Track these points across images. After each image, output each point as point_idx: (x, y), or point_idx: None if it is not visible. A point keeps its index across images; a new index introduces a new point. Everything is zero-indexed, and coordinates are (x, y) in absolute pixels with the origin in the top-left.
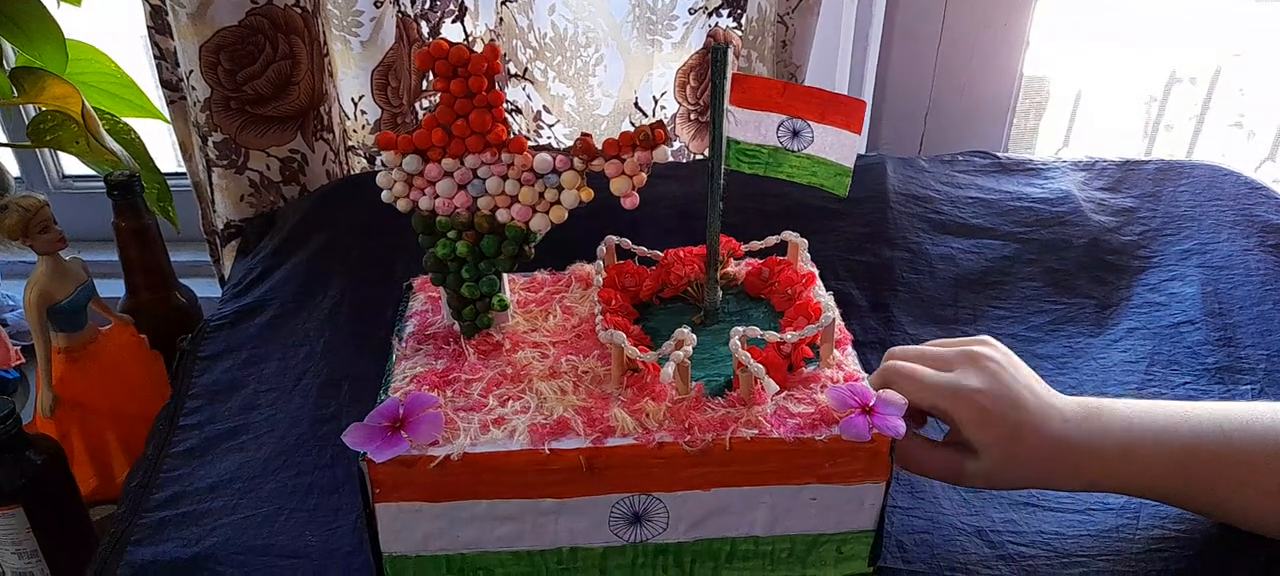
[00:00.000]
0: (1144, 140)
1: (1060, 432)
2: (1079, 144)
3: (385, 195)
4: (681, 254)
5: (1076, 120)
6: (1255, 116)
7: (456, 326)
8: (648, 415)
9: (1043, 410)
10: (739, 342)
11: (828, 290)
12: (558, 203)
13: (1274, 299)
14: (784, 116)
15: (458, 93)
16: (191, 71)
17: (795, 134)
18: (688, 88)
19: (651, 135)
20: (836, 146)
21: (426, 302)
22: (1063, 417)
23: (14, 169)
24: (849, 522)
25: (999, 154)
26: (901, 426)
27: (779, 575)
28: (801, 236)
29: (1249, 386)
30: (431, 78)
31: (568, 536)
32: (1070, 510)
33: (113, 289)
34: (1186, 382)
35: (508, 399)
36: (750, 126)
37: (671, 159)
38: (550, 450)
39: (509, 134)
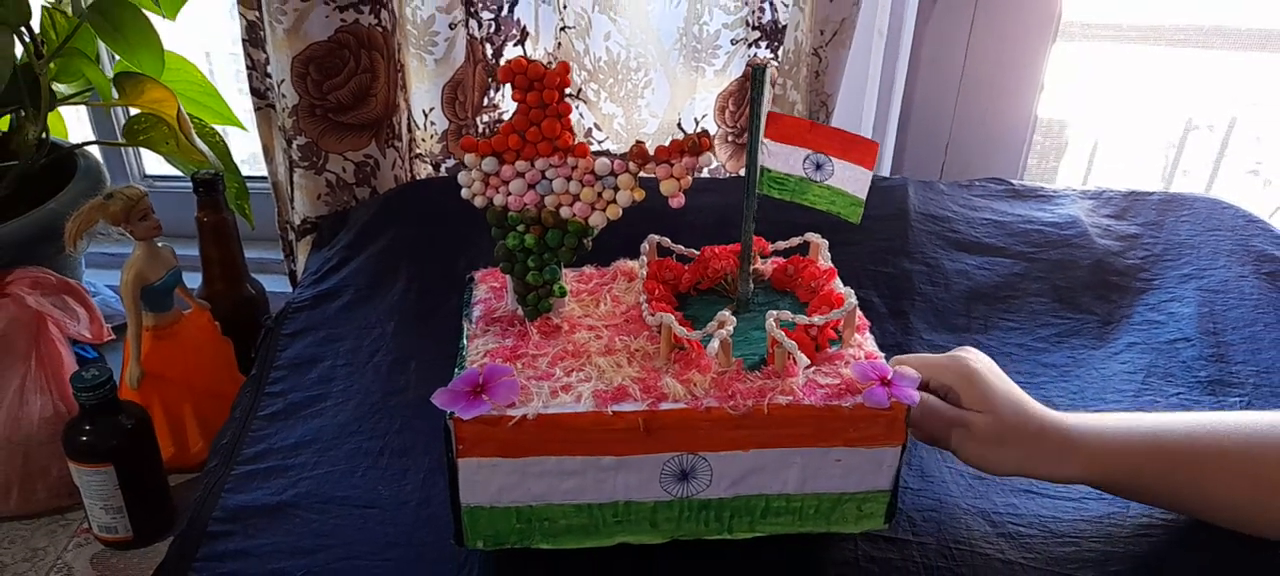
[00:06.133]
0: (1161, 184)
1: (1043, 413)
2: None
3: (465, 192)
4: (717, 250)
5: (1095, 164)
6: (1272, 164)
7: (519, 311)
8: (695, 384)
9: (1026, 397)
10: (774, 323)
11: None
12: (614, 201)
13: (1264, 321)
14: (810, 150)
15: (532, 103)
16: (283, 80)
17: (819, 167)
18: (727, 111)
19: (698, 143)
20: (853, 180)
21: (488, 292)
22: (1045, 408)
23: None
24: (869, 482)
25: (1013, 181)
26: (916, 396)
27: (806, 529)
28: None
29: (1237, 399)
30: (499, 89)
31: (624, 491)
32: (1066, 498)
33: (189, 281)
34: (1180, 393)
35: (571, 370)
36: (780, 158)
37: (709, 175)
38: (613, 412)
39: (574, 141)
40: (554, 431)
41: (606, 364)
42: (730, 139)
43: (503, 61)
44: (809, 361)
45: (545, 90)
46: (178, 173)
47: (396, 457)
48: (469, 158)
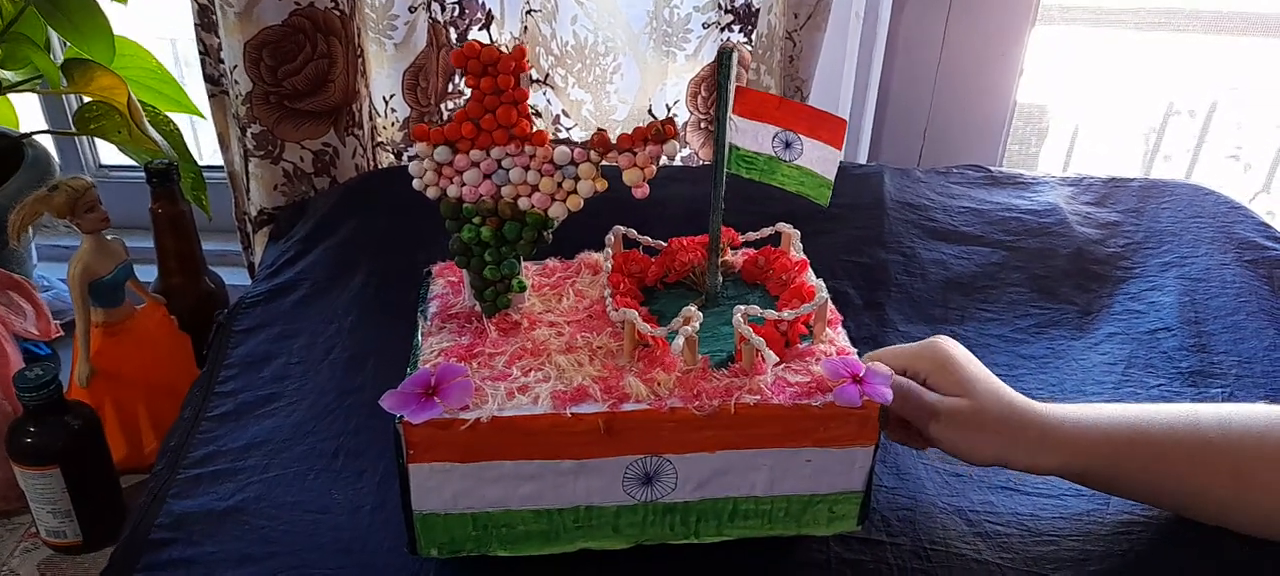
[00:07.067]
0: (1142, 169)
1: (1023, 401)
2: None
3: (417, 183)
4: (685, 242)
5: (1076, 148)
6: (1252, 149)
7: (477, 306)
8: (659, 383)
9: (1001, 384)
10: (742, 318)
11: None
12: (574, 192)
13: (1247, 310)
14: (779, 128)
15: (487, 89)
16: (236, 66)
17: (788, 145)
18: (699, 97)
19: (662, 130)
20: (821, 160)
21: (446, 287)
22: (1024, 398)
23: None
24: (840, 483)
25: (991, 168)
26: (889, 394)
27: (776, 532)
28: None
29: (1219, 389)
30: (460, 76)
31: (584, 495)
32: (1045, 495)
33: (144, 275)
34: (1161, 384)
35: (530, 370)
36: (749, 135)
37: (681, 163)
38: (571, 414)
39: (532, 128)
40: (510, 434)
41: (567, 362)
42: (703, 125)
43: None
44: (778, 358)
45: (500, 76)
46: (134, 162)
47: (351, 459)
48: (420, 147)
